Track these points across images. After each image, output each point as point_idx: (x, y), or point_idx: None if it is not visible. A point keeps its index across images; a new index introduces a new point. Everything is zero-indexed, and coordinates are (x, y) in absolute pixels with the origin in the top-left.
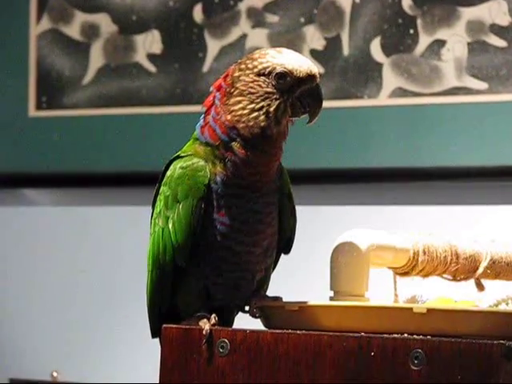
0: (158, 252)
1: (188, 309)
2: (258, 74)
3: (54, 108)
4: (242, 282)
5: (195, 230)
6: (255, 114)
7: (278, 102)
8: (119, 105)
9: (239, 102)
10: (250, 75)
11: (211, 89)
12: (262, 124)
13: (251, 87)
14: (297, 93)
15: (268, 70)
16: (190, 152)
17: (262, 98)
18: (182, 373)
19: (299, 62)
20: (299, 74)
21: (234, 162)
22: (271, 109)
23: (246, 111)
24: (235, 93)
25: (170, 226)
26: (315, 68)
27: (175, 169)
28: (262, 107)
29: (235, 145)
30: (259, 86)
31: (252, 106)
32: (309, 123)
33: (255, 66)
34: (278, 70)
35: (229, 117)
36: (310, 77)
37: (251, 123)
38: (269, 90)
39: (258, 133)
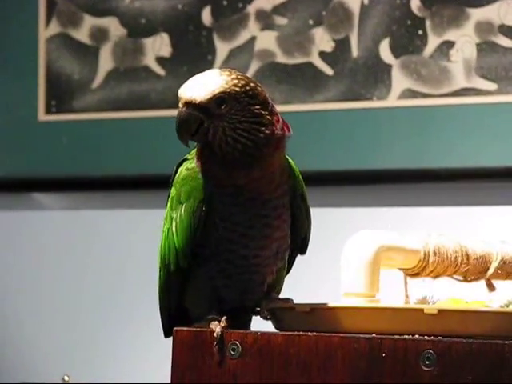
0: (164, 252)
1: (198, 310)
2: None
3: (64, 112)
4: (251, 285)
5: (195, 232)
6: None
7: None
8: (128, 108)
9: None
10: None
11: None
12: None
13: None
14: None
15: None
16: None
17: None
18: (194, 375)
19: (185, 84)
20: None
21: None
22: None
23: None
24: None
25: (173, 226)
26: (187, 92)
27: (182, 170)
28: None
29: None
30: None
31: None
32: None
33: None
34: None
35: None
36: (180, 99)
37: None
38: None
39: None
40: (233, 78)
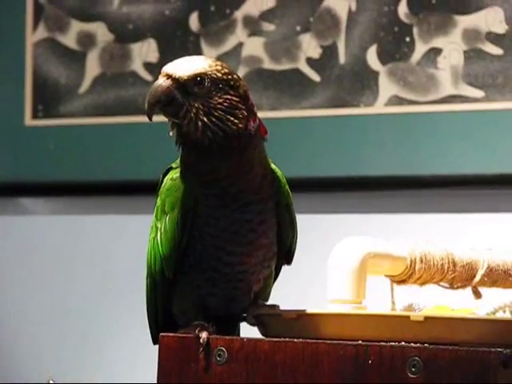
0: (150, 261)
1: (185, 317)
2: None
3: (50, 117)
4: (237, 293)
5: (180, 243)
6: None
7: None
8: (115, 114)
9: None
10: None
11: None
12: None
13: None
14: None
15: None
16: None
17: None
18: (180, 381)
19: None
20: None
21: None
22: None
23: None
24: None
25: (158, 236)
26: (169, 67)
27: (167, 180)
28: None
29: None
30: None
31: None
32: None
33: None
34: None
35: None
36: (161, 73)
37: None
38: None
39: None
40: (217, 64)
